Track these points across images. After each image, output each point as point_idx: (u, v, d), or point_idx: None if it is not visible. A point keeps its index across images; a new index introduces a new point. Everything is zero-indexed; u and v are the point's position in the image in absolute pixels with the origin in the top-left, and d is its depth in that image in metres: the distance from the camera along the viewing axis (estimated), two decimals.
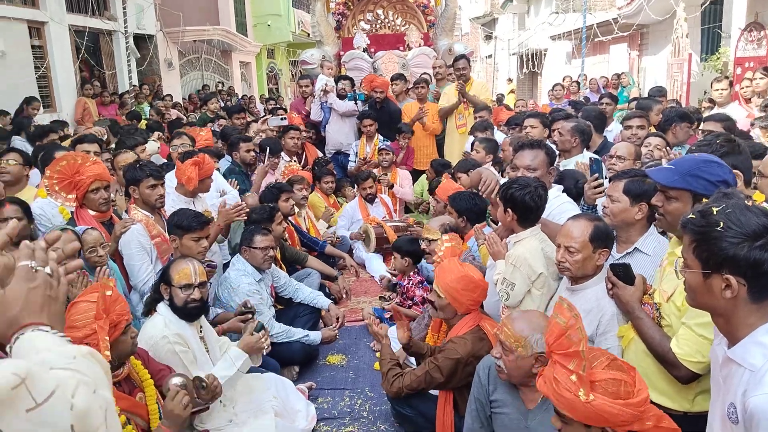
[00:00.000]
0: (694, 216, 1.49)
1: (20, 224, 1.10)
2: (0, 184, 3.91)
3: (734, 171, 2.35)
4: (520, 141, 3.45)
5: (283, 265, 4.60)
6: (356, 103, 7.30)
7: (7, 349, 0.96)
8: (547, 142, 4.34)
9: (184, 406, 2.27)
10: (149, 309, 2.98)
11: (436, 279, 2.91)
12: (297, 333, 3.88)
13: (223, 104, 12.39)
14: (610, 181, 2.72)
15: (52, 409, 0.80)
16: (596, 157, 3.35)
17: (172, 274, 2.84)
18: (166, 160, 5.32)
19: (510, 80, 20.51)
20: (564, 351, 1.68)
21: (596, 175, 3.17)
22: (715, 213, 1.44)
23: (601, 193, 3.09)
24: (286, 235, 4.83)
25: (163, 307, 2.87)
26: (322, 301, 4.33)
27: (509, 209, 2.75)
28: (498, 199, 2.83)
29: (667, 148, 3.87)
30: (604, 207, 2.65)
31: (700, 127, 4.65)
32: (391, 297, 4.74)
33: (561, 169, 3.99)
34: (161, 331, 2.73)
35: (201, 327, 2.97)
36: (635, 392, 1.65)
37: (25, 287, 0.99)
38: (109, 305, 2.16)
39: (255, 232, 3.92)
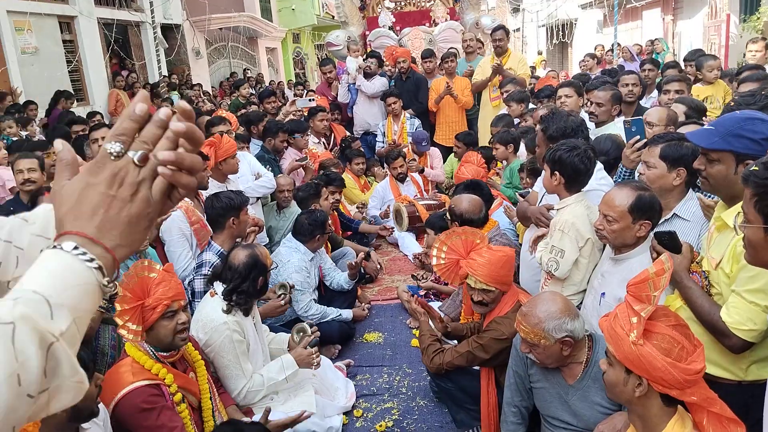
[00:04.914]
0: (757, 168, 1.40)
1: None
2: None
3: None
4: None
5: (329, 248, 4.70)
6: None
7: None
8: (583, 111, 4.22)
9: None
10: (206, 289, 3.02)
11: (475, 275, 2.59)
12: (331, 312, 3.96)
13: (253, 91, 12.46)
14: (645, 146, 2.61)
15: None
16: (635, 118, 3.21)
17: (265, 261, 2.88)
18: None
19: (540, 53, 20.06)
20: (637, 294, 1.67)
21: (637, 137, 3.03)
22: None
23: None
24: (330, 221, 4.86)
25: (221, 289, 2.80)
26: (346, 315, 4.13)
27: (557, 172, 2.67)
28: (545, 162, 2.74)
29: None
30: (640, 174, 2.55)
31: (739, 89, 4.47)
32: (424, 276, 4.72)
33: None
34: (223, 317, 2.70)
35: (254, 314, 2.98)
36: (689, 360, 1.60)
37: (83, 182, 0.73)
38: (150, 287, 2.19)
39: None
